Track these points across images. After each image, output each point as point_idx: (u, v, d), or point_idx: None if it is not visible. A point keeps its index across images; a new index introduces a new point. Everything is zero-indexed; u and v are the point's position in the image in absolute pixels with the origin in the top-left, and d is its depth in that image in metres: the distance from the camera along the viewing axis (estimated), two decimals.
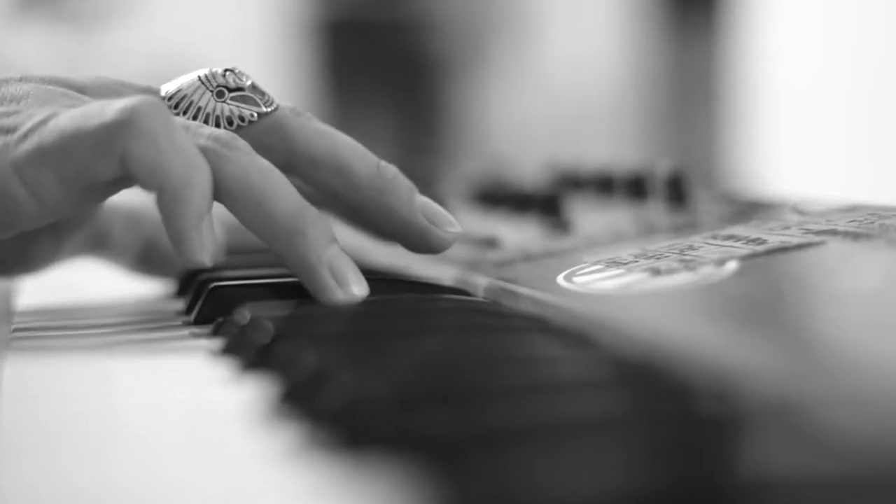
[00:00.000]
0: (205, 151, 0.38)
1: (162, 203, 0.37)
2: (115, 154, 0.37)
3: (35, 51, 2.01)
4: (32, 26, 2.07)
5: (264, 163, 0.40)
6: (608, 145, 2.48)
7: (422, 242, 0.43)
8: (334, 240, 0.40)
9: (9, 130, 0.38)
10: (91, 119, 0.37)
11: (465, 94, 2.62)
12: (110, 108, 0.37)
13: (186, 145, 0.38)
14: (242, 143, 0.39)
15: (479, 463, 0.22)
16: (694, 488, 0.21)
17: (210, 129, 0.39)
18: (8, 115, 0.38)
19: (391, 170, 0.43)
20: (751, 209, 0.49)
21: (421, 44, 2.63)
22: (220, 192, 0.39)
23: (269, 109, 0.43)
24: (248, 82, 0.43)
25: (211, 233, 0.38)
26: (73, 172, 0.37)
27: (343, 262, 0.40)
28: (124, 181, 0.39)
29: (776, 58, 1.48)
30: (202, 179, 0.38)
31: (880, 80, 1.32)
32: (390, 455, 0.23)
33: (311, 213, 0.40)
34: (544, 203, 0.57)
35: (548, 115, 2.53)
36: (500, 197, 0.64)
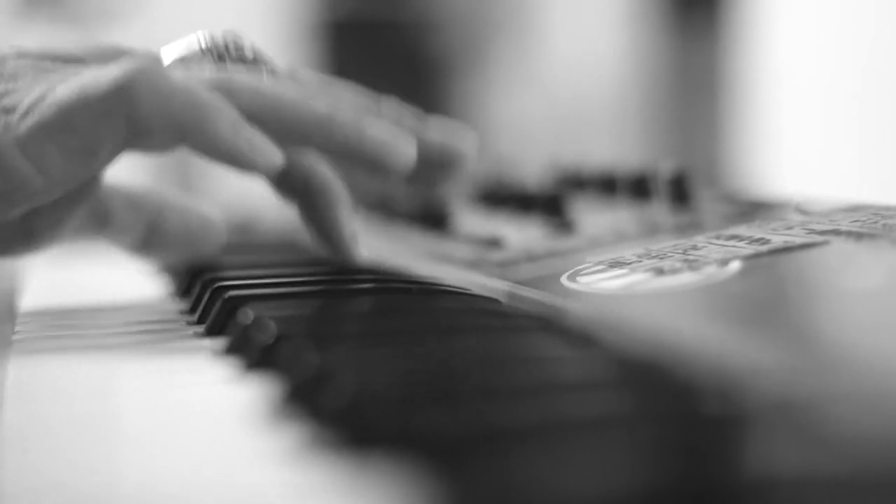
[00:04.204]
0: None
1: (195, 144, 0.38)
2: (120, 118, 0.38)
3: None
4: (35, 25, 2.07)
5: (267, 86, 0.40)
6: (611, 145, 2.48)
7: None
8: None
9: (9, 110, 0.39)
10: (89, 89, 0.38)
11: (467, 93, 2.62)
12: (106, 76, 0.38)
13: (186, 83, 0.38)
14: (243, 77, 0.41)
15: (483, 462, 0.22)
16: (698, 487, 0.21)
17: (209, 72, 0.40)
18: (7, 93, 0.39)
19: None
20: (754, 209, 0.49)
21: (424, 43, 2.63)
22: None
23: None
24: (248, 45, 0.44)
25: (262, 136, 0.38)
26: (76, 143, 0.38)
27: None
28: (124, 144, 0.40)
29: (779, 57, 1.48)
30: (213, 100, 0.38)
31: (884, 79, 1.32)
32: (394, 454, 0.23)
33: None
34: (547, 203, 0.57)
35: (551, 114, 2.53)
36: (503, 197, 0.64)
